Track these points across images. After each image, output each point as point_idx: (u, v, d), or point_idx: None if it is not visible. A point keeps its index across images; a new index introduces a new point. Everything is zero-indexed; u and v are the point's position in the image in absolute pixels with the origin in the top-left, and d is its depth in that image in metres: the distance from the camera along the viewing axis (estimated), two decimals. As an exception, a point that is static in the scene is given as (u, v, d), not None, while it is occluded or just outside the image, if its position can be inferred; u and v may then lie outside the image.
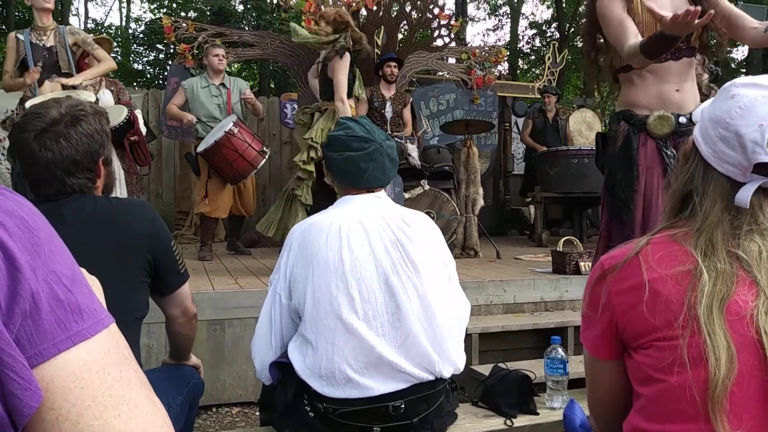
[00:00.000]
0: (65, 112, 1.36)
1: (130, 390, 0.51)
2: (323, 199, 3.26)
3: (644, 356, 0.94)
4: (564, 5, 15.67)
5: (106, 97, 3.85)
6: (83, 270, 0.55)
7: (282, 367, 1.61)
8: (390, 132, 5.25)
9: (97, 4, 19.80)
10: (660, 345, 0.90)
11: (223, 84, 4.78)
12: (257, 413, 2.49)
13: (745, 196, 0.92)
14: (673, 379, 0.88)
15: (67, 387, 0.47)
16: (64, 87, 3.59)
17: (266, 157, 4.52)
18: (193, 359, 1.86)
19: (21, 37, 3.72)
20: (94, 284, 0.62)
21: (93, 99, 3.23)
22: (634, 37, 2.11)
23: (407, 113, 5.63)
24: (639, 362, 0.95)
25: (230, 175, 4.47)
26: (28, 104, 3.41)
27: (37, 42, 3.69)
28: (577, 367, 2.25)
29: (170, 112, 4.85)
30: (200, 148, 4.40)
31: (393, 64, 5.44)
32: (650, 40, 1.99)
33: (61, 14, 12.84)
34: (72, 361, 0.48)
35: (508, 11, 17.88)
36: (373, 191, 1.67)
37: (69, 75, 3.70)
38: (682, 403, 0.87)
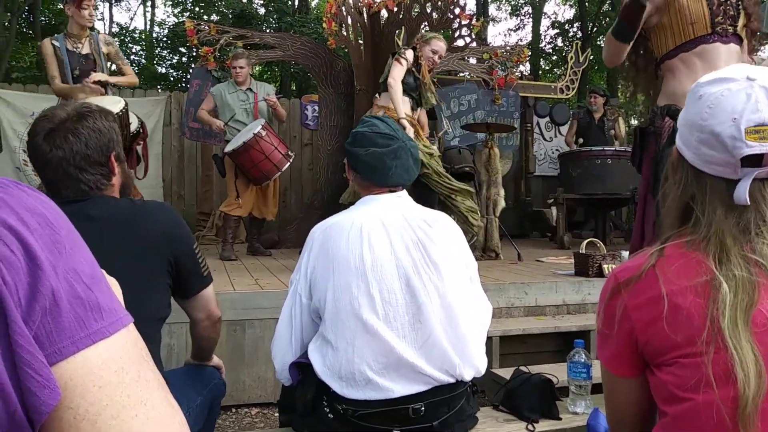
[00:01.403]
0: (71, 111, 1.38)
1: (147, 390, 0.51)
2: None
3: (668, 374, 0.89)
4: (587, 4, 15.50)
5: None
6: (102, 270, 0.55)
7: (302, 367, 1.60)
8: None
9: (121, 8, 20.10)
10: (684, 362, 0.86)
11: (250, 89, 4.92)
12: (276, 414, 2.50)
13: (742, 192, 0.88)
14: (700, 398, 0.84)
15: (86, 386, 0.47)
16: (96, 82, 3.77)
17: (291, 160, 4.70)
18: (215, 360, 1.87)
19: (56, 44, 3.83)
20: (113, 284, 0.61)
21: (122, 104, 3.27)
22: None
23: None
24: (663, 380, 0.90)
25: (255, 176, 4.62)
26: None
27: (73, 49, 3.82)
28: (600, 371, 2.21)
29: (201, 118, 5.03)
30: (228, 149, 4.54)
31: None
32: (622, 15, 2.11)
33: (87, 18, 13.07)
34: (91, 360, 0.48)
35: (530, 11, 17.74)
36: (395, 191, 1.66)
37: (101, 83, 3.86)
38: (711, 424, 0.83)
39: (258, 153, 4.46)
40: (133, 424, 0.49)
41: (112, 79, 3.85)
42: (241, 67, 4.86)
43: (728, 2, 2.15)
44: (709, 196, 0.92)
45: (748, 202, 0.88)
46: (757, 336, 0.82)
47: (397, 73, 3.91)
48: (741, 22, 2.17)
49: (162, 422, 0.51)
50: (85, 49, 3.85)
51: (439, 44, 4.10)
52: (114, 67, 4.35)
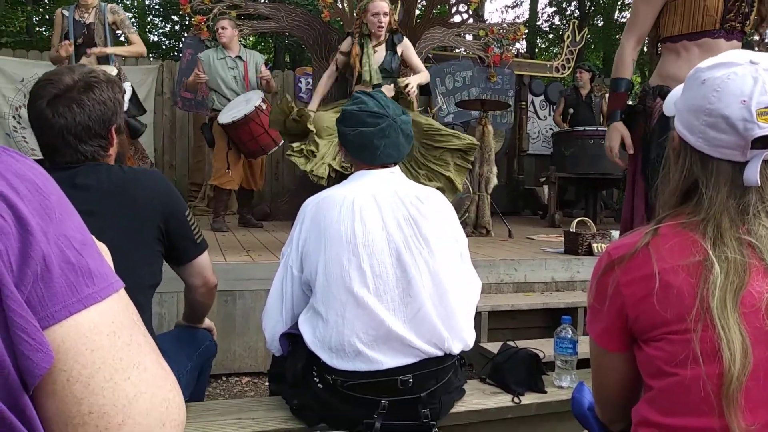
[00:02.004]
0: (78, 78, 1.36)
1: (140, 354, 0.52)
2: None
3: (655, 349, 0.92)
4: (585, -18, 15.34)
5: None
6: (92, 236, 0.55)
7: (292, 338, 1.62)
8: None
9: (113, -27, 19.68)
10: (672, 338, 0.88)
11: (239, 57, 4.81)
12: (266, 383, 2.52)
13: (752, 174, 0.90)
14: (686, 374, 0.86)
15: (78, 349, 0.48)
16: (97, 57, 3.92)
17: None
18: (207, 322, 1.88)
19: (66, 13, 4.02)
20: (103, 250, 0.62)
21: (114, 72, 3.28)
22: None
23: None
24: (650, 355, 0.93)
25: (251, 149, 4.55)
26: None
27: (79, 19, 3.97)
28: (586, 347, 2.23)
29: (189, 82, 4.92)
30: (226, 120, 4.41)
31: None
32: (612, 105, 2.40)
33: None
34: (83, 324, 0.48)
35: (528, -12, 17.53)
36: (388, 167, 1.66)
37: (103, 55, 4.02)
38: (695, 398, 0.85)
39: (258, 126, 4.39)
40: (125, 386, 0.49)
41: (110, 50, 3.93)
42: (223, 28, 4.73)
43: (744, 0, 2.15)
44: (715, 179, 0.93)
45: (759, 183, 0.90)
46: (746, 316, 0.84)
47: (326, 72, 4.04)
48: (752, 21, 2.17)
49: (154, 384, 0.52)
50: (90, 19, 3.96)
51: (376, 3, 3.74)
52: (123, 37, 4.46)
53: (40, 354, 0.45)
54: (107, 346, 0.49)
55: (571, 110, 6.55)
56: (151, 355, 0.53)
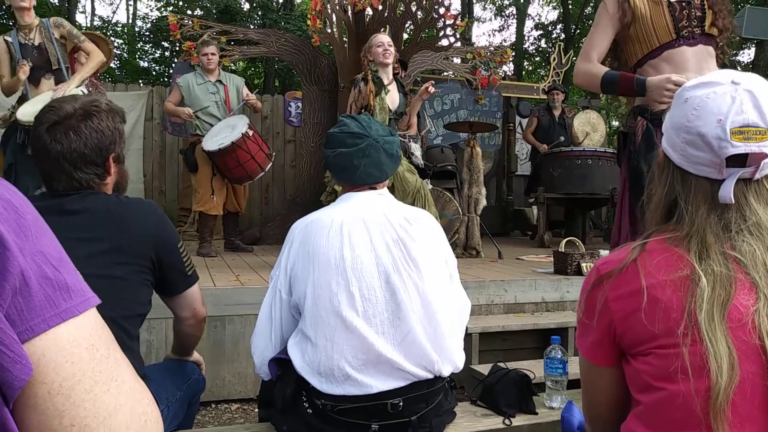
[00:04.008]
0: (78, 107, 1.39)
1: (118, 367, 0.53)
2: None
3: (643, 363, 0.92)
4: (570, 6, 15.63)
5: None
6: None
7: (281, 363, 1.61)
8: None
9: (103, 1, 19.84)
10: (660, 353, 0.89)
11: (219, 81, 4.78)
12: (256, 410, 2.50)
13: (727, 192, 0.92)
14: (674, 388, 0.87)
15: (58, 361, 0.48)
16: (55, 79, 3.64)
17: (272, 161, 4.68)
18: (195, 356, 1.87)
19: (9, 39, 3.71)
20: None
21: (82, 92, 3.26)
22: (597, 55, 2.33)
23: (413, 119, 5.62)
24: (638, 369, 0.93)
25: (238, 175, 4.54)
26: (21, 108, 3.45)
27: (25, 42, 3.66)
28: (576, 367, 2.22)
29: (167, 110, 4.86)
30: (212, 147, 4.36)
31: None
32: (622, 80, 2.22)
33: (68, 11, 12.87)
34: (62, 337, 0.49)
35: (515, 12, 17.82)
36: (375, 188, 1.67)
37: (59, 70, 3.70)
38: (683, 412, 0.86)
39: (244, 153, 4.39)
40: (105, 398, 0.50)
41: (75, 83, 3.57)
42: (212, 54, 4.71)
43: (692, 5, 2.22)
44: (693, 195, 0.95)
45: (733, 201, 0.92)
46: (732, 331, 0.85)
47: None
48: (708, 20, 2.22)
49: (133, 398, 0.53)
50: (37, 40, 3.67)
51: (379, 37, 3.91)
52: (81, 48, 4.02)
53: (19, 366, 0.45)
54: (87, 358, 0.50)
55: (562, 138, 6.62)
56: (128, 370, 0.54)
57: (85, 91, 3.56)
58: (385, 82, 3.88)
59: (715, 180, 0.94)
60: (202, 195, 4.68)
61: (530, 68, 17.69)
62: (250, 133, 4.41)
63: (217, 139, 4.44)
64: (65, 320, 0.50)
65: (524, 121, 8.35)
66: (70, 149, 1.37)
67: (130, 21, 17.89)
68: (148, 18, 17.16)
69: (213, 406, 2.94)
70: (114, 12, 26.49)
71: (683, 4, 2.23)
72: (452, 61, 6.99)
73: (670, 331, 0.88)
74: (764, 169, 0.92)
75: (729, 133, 0.89)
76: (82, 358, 0.50)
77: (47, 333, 0.48)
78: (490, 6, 18.99)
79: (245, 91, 4.85)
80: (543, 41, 17.36)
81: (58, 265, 0.51)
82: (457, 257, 1.75)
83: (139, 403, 0.53)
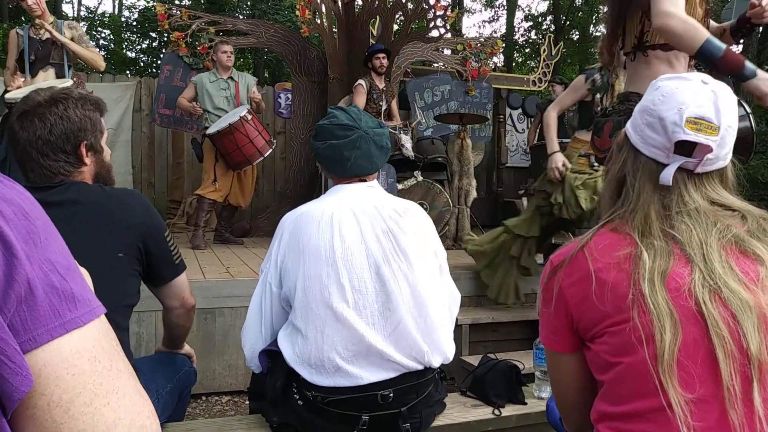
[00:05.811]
0: (47, 95, 1.38)
1: (119, 379, 0.52)
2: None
3: (600, 344, 0.97)
4: (560, -2, 15.64)
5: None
6: (75, 262, 0.55)
7: (272, 355, 1.61)
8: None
9: (90, -10, 19.59)
10: (613, 330, 0.94)
11: (231, 77, 4.96)
12: (247, 402, 2.50)
13: (667, 175, 0.99)
14: (629, 360, 0.92)
15: (59, 373, 0.48)
16: (56, 72, 3.86)
17: (273, 147, 4.76)
18: (186, 348, 1.86)
19: (21, 32, 3.95)
20: (84, 275, 0.62)
21: (69, 84, 3.27)
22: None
23: (394, 105, 5.62)
24: (596, 351, 0.98)
25: (237, 159, 4.60)
26: (7, 95, 3.57)
27: (35, 36, 3.90)
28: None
29: (181, 106, 5.04)
30: (212, 130, 4.54)
31: (382, 55, 5.33)
32: (728, 54, 1.84)
33: (54, 2, 12.70)
34: (65, 348, 0.49)
35: (505, 3, 17.81)
36: (365, 180, 1.67)
37: (60, 65, 3.94)
38: (640, 380, 0.90)
39: (242, 136, 4.49)
40: (105, 411, 0.50)
41: (64, 39, 3.84)
42: (231, 52, 4.97)
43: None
44: (641, 173, 1.03)
45: (670, 184, 0.99)
46: (673, 299, 0.91)
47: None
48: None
49: (132, 410, 0.52)
50: (46, 35, 3.89)
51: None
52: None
53: (20, 378, 0.45)
54: (88, 371, 0.49)
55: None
56: (130, 380, 0.54)
57: (70, 80, 3.69)
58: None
59: (661, 163, 1.01)
60: (204, 181, 4.83)
61: (520, 60, 17.70)
62: (249, 117, 4.53)
63: (217, 124, 4.60)
64: (69, 331, 0.49)
65: (515, 113, 8.37)
66: (35, 136, 1.35)
67: (117, 11, 17.71)
68: (135, 8, 17.00)
69: (204, 398, 2.94)
70: (100, 2, 26.18)
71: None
72: (442, 52, 6.98)
73: (619, 308, 0.93)
74: (706, 165, 0.99)
75: (684, 121, 0.96)
76: (83, 370, 0.49)
77: (50, 344, 0.48)
78: (481, -3, 18.96)
79: (254, 89, 5.02)
80: (533, 32, 17.37)
81: (65, 274, 0.51)
82: (447, 249, 1.76)
83: (138, 416, 0.53)
